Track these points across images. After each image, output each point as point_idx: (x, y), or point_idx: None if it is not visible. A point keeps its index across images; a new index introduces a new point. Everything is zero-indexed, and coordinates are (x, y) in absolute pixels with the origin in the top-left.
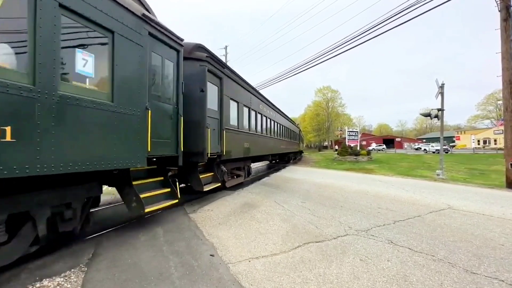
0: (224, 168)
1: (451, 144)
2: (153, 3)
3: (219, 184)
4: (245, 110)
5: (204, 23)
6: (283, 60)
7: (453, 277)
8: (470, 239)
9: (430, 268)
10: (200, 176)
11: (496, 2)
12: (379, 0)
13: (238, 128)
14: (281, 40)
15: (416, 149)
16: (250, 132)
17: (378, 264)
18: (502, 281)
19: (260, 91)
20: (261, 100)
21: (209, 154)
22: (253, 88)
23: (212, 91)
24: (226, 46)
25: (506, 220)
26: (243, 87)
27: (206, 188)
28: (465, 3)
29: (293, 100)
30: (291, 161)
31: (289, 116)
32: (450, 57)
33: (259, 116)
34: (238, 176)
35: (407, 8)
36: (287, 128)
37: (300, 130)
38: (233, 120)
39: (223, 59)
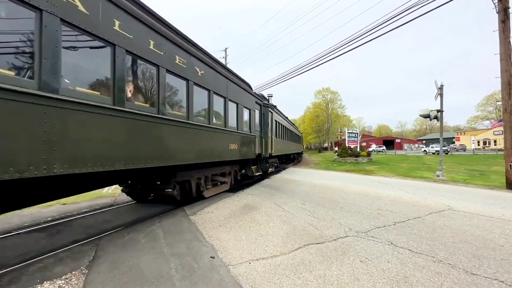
0: None
1: (451, 146)
2: (152, 2)
3: None
4: None
5: (203, 22)
6: (283, 62)
7: (453, 278)
8: (470, 240)
9: (430, 269)
10: None
11: (494, 4)
12: (381, 0)
13: None
14: (279, 43)
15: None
16: None
17: (378, 266)
18: (502, 282)
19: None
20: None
21: None
22: None
23: None
24: (226, 48)
25: (506, 221)
26: None
27: None
28: (466, 3)
29: (294, 101)
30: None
31: (291, 120)
32: (452, 57)
33: None
34: None
35: (408, 9)
36: (203, 88)
37: (273, 108)
38: None
39: (222, 61)
